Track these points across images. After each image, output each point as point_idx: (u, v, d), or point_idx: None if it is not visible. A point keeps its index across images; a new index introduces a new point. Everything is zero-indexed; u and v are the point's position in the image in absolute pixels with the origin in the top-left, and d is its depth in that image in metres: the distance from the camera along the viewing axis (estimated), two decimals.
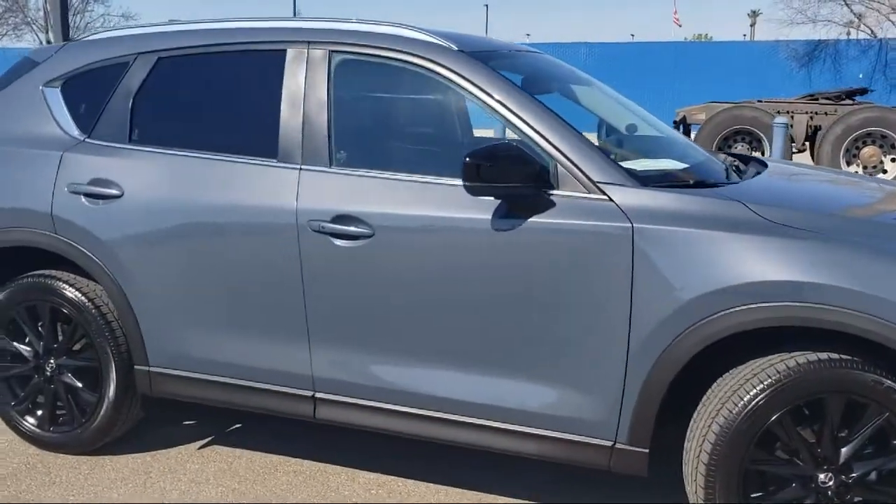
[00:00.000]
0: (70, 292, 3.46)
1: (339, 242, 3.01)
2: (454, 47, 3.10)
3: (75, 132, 3.51)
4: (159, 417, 3.92)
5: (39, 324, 3.60)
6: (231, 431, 3.93)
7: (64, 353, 3.56)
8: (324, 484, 3.42)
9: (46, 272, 3.54)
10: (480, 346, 2.91)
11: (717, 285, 2.59)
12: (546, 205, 2.79)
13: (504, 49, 3.43)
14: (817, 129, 11.77)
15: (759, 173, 3.33)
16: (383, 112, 3.32)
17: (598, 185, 2.78)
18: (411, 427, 3.05)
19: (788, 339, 2.64)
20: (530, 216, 2.79)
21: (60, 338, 3.57)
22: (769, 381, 2.57)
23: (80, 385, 3.56)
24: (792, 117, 11.67)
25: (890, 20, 31.72)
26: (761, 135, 11.36)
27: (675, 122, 12.06)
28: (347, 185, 3.06)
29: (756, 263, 2.58)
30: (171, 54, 3.45)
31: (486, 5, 62.18)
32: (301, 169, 3.12)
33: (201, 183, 3.25)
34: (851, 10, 30.62)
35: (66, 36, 10.95)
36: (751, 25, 73.81)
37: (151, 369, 3.41)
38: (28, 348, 3.63)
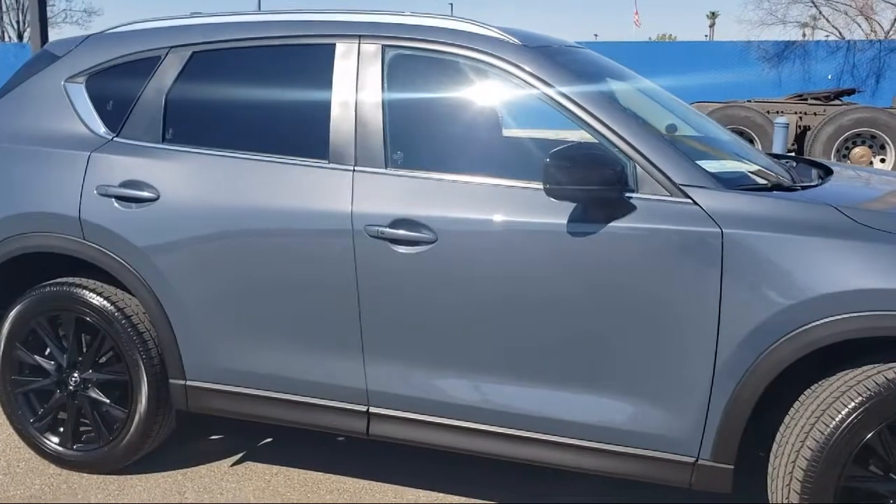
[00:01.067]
0: (98, 301, 3.23)
1: (398, 248, 2.83)
2: (518, 42, 2.94)
3: (102, 131, 3.29)
4: (183, 432, 3.70)
5: (62, 335, 3.37)
6: (263, 446, 3.73)
7: (90, 366, 3.33)
8: None
9: (71, 280, 3.31)
10: (554, 360, 2.75)
11: (815, 293, 2.46)
12: (627, 208, 2.64)
13: (555, 44, 3.27)
14: (806, 129, 11.80)
15: (827, 176, 3.21)
16: (441, 110, 3.13)
17: (682, 187, 2.64)
18: (478, 444, 2.88)
19: (874, 349, 2.52)
20: (610, 220, 2.64)
21: (86, 350, 3.34)
22: (867, 394, 2.45)
23: (107, 400, 3.34)
24: (778, 115, 11.67)
25: (856, 22, 32.15)
26: (753, 134, 11.36)
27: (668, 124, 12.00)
28: (407, 187, 2.89)
29: (857, 270, 2.45)
30: (207, 48, 3.24)
31: (451, 4, 61.85)
32: (355, 171, 2.94)
33: (245, 185, 3.05)
34: (820, 12, 30.99)
35: (44, 33, 10.61)
36: (710, 26, 74.66)
37: (188, 383, 3.20)
38: (50, 361, 3.40)
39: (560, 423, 2.77)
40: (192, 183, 3.10)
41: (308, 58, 3.14)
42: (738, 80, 26.11)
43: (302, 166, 3.01)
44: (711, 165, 2.98)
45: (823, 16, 30.69)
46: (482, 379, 2.85)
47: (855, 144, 11.36)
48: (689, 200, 2.62)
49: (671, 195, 2.65)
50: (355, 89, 2.99)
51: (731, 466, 2.64)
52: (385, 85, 2.98)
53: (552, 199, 2.69)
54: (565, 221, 2.67)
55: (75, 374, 3.35)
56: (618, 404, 2.72)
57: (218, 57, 3.24)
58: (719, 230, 2.55)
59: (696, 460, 2.67)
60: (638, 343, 2.66)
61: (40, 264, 3.40)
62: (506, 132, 3.32)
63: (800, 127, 11.86)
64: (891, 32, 31.44)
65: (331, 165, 2.97)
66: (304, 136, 3.12)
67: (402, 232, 2.82)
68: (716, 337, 2.57)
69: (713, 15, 76.34)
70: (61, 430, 3.44)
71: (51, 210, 3.23)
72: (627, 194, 2.66)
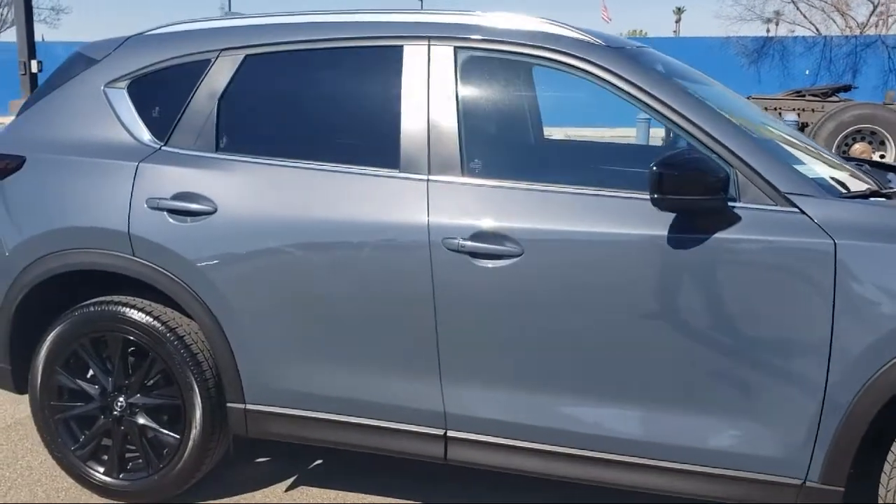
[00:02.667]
0: (147, 321, 3.03)
1: (480, 262, 2.67)
2: (602, 43, 2.78)
3: (147, 139, 3.09)
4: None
5: (107, 357, 3.17)
6: (315, 469, 3.54)
7: (138, 389, 3.13)
8: None
9: (117, 298, 3.10)
10: (651, 379, 2.60)
11: None
12: (731, 219, 2.50)
13: (628, 44, 3.12)
14: (805, 125, 11.77)
15: None
16: (519, 115, 2.97)
17: (787, 196, 2.50)
18: (567, 469, 2.72)
19: None
20: (714, 231, 2.50)
21: (133, 373, 3.13)
22: None
23: (156, 425, 3.14)
24: (780, 114, 11.63)
25: (832, 18, 32.44)
26: None
27: (648, 119, 11.93)
28: (487, 197, 2.72)
29: None
30: (262, 51, 3.04)
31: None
32: (429, 180, 2.77)
33: (310, 197, 2.87)
34: (797, 7, 31.21)
35: (30, 32, 10.29)
36: (676, 21, 75.08)
37: (248, 406, 3.01)
38: (93, 385, 3.19)
39: (657, 446, 2.63)
40: (253, 195, 2.91)
41: (373, 62, 2.96)
42: (716, 76, 26.24)
43: (371, 176, 2.84)
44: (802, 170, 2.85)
45: (800, 11, 30.92)
46: (571, 401, 2.69)
47: (855, 141, 11.36)
48: (796, 210, 2.48)
49: (776, 204, 2.50)
50: (427, 94, 2.82)
51: (842, 489, 2.51)
52: (459, 89, 2.81)
53: (648, 209, 2.53)
54: (665, 233, 2.52)
55: (121, 399, 3.14)
56: (719, 425, 2.58)
57: (273, 60, 3.05)
58: (832, 241, 2.42)
59: (804, 482, 2.54)
60: (743, 361, 2.52)
61: (77, 283, 3.19)
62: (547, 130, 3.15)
63: (798, 123, 11.84)
64: (866, 28, 31.76)
65: (403, 175, 2.80)
66: (372, 144, 2.94)
67: (484, 245, 2.66)
68: (828, 354, 2.43)
69: (679, 11, 76.78)
70: (105, 457, 3.23)
71: (96, 225, 3.02)
72: (731, 204, 2.51)
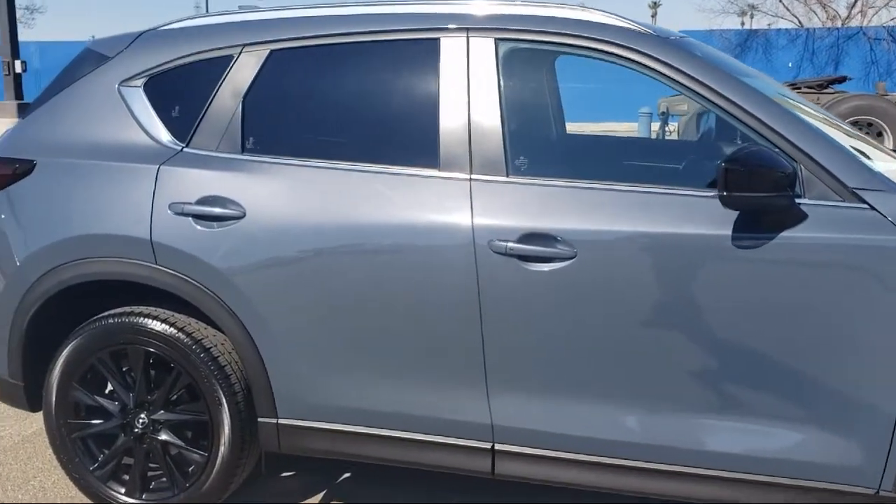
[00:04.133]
0: (171, 333, 2.86)
1: (530, 266, 2.52)
2: (652, 33, 2.65)
3: (167, 140, 2.91)
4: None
5: (127, 372, 3.00)
6: (343, 483, 3.39)
7: (161, 405, 2.96)
8: None
9: (137, 309, 2.93)
10: (716, 386, 2.47)
11: None
12: (798, 216, 2.37)
13: (674, 34, 2.98)
14: None
15: None
16: (555, 109, 2.83)
17: (856, 191, 2.38)
18: (625, 482, 2.59)
19: None
20: (781, 230, 2.37)
21: (156, 388, 2.97)
22: None
23: (181, 443, 2.97)
24: None
25: (814, 11, 32.57)
26: None
27: (661, 114, 11.87)
28: (535, 197, 2.58)
29: None
30: (288, 46, 2.88)
31: None
32: (471, 180, 2.62)
33: (343, 199, 2.71)
34: (780, 0, 31.29)
35: (13, 32, 10.04)
36: (652, 16, 75.26)
37: (281, 421, 2.85)
38: (112, 401, 3.02)
39: (724, 456, 2.49)
40: (284, 198, 2.75)
41: (407, 55, 2.81)
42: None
43: (409, 176, 2.69)
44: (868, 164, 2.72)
45: (783, 3, 31.00)
46: (628, 410, 2.55)
47: None
48: (866, 206, 2.36)
49: (844, 200, 2.38)
50: (466, 89, 2.67)
51: None
52: (501, 83, 2.67)
53: (710, 207, 2.41)
54: (729, 232, 2.39)
55: (143, 415, 2.97)
56: (788, 434, 2.46)
57: (301, 55, 2.88)
58: None
59: (877, 491, 2.42)
60: (813, 366, 2.39)
61: (92, 295, 3.02)
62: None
63: None
64: (847, 20, 31.89)
65: (443, 174, 2.65)
66: (409, 142, 2.79)
67: (534, 247, 2.51)
68: None
69: (655, 5, 76.97)
70: (126, 477, 3.06)
71: (115, 232, 2.85)
72: (797, 201, 2.39)
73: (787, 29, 29.81)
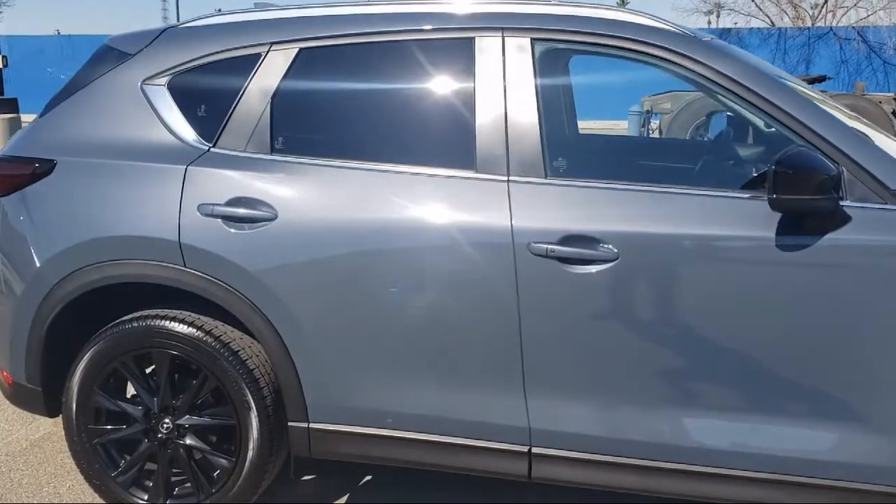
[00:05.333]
0: (198, 336, 2.81)
1: (571, 268, 2.51)
2: (691, 35, 2.64)
3: (192, 139, 2.86)
4: None
5: (152, 376, 2.94)
6: (366, 486, 3.36)
7: (187, 410, 2.91)
8: None
9: (163, 312, 2.87)
10: (763, 389, 2.48)
11: None
12: (842, 219, 2.38)
13: (707, 35, 2.98)
14: None
15: None
16: (575, 110, 2.81)
17: None
18: (669, 485, 2.58)
19: None
20: (826, 232, 2.37)
21: (182, 392, 2.91)
22: None
23: (208, 447, 2.92)
24: None
25: (785, 12, 32.97)
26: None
27: (645, 112, 11.94)
28: (576, 198, 2.56)
29: None
30: (317, 44, 2.83)
31: None
32: (509, 181, 2.60)
33: (378, 200, 2.68)
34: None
35: None
36: None
37: (312, 425, 2.81)
38: (136, 406, 2.96)
39: (771, 458, 2.49)
40: (316, 199, 2.71)
41: (441, 55, 2.78)
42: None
43: (445, 178, 2.66)
44: None
45: (755, 3, 31.32)
46: (670, 413, 2.55)
47: None
48: None
49: (885, 202, 2.39)
50: (503, 90, 2.65)
51: None
52: (538, 84, 2.65)
53: (752, 209, 2.42)
54: (773, 234, 2.40)
55: (167, 420, 2.92)
56: (829, 434, 2.47)
57: (331, 54, 2.84)
58: None
59: None
60: (857, 368, 2.40)
61: (112, 298, 2.96)
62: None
63: None
64: (817, 19, 32.30)
65: (480, 176, 2.63)
66: (443, 143, 2.77)
67: (575, 249, 2.50)
68: None
69: (623, 2, 77.44)
70: (149, 483, 3.00)
71: (142, 234, 2.79)
72: (841, 203, 2.40)
73: (759, 28, 30.14)
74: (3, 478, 3.39)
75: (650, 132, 12.16)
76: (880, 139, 2.70)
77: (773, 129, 3.51)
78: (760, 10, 31.60)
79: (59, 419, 3.05)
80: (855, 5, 30.96)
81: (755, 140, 3.78)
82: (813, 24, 30.65)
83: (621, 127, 11.61)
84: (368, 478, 3.40)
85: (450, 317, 2.63)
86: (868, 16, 31.08)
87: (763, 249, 2.40)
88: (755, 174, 2.62)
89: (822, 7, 31.05)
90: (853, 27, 28.62)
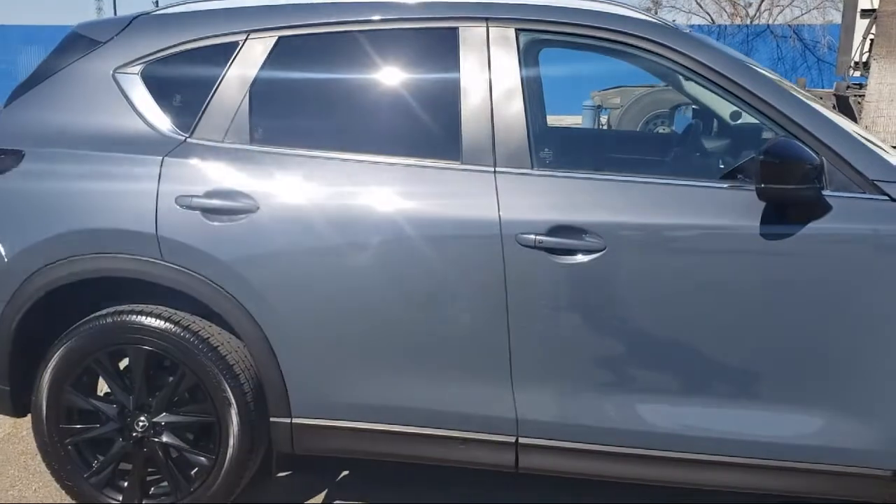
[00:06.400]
0: (175, 331, 2.74)
1: (558, 259, 2.51)
2: (672, 26, 2.67)
3: (169, 130, 2.78)
4: None
5: (126, 373, 2.86)
6: (344, 481, 3.32)
7: (164, 408, 2.83)
8: None
9: (137, 307, 2.79)
10: (747, 376, 2.52)
11: None
12: (824, 208, 2.43)
13: (685, 27, 3.00)
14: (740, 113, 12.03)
15: None
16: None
17: (877, 183, 2.45)
18: (656, 473, 2.61)
19: None
20: (808, 221, 2.42)
21: (158, 390, 2.83)
22: None
23: (185, 445, 2.86)
24: None
25: (724, 10, 33.62)
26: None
27: (597, 106, 12.06)
28: (563, 189, 2.57)
29: None
30: (297, 33, 2.78)
31: None
32: (496, 172, 2.59)
33: (363, 192, 2.65)
34: None
35: None
36: None
37: (295, 421, 2.76)
38: (110, 405, 2.87)
39: (756, 444, 2.53)
40: (298, 190, 2.66)
41: (424, 44, 2.76)
42: (615, 66, 26.78)
43: (431, 168, 2.64)
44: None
45: (697, 2, 31.85)
46: (655, 400, 2.58)
47: None
48: (886, 197, 2.44)
49: (864, 192, 2.45)
50: (488, 80, 2.64)
51: None
52: (524, 75, 2.64)
53: (735, 199, 2.46)
54: (757, 223, 2.44)
55: (142, 418, 2.84)
56: (809, 419, 2.52)
57: (311, 44, 2.80)
58: None
59: None
60: (842, 354, 2.46)
61: (83, 294, 2.87)
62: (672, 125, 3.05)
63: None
64: (755, 17, 33.00)
65: (466, 167, 2.61)
66: (427, 134, 2.75)
67: (562, 240, 2.51)
68: None
69: None
70: (124, 484, 2.92)
71: (117, 226, 2.71)
72: (822, 192, 2.45)
73: (699, 25, 30.68)
74: None
75: (599, 127, 12.28)
76: (856, 129, 2.76)
77: (741, 122, 3.60)
78: (701, 6, 32.15)
79: (18, 420, 2.96)
80: (790, 4, 31.72)
81: (722, 132, 3.84)
82: (751, 22, 31.31)
83: (573, 121, 11.73)
84: (346, 473, 3.37)
85: (437, 308, 2.62)
86: (802, 14, 31.87)
87: (748, 239, 2.44)
88: (735, 164, 2.65)
89: (760, 5, 31.74)
90: (789, 25, 29.33)
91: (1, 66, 21.35)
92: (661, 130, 11.67)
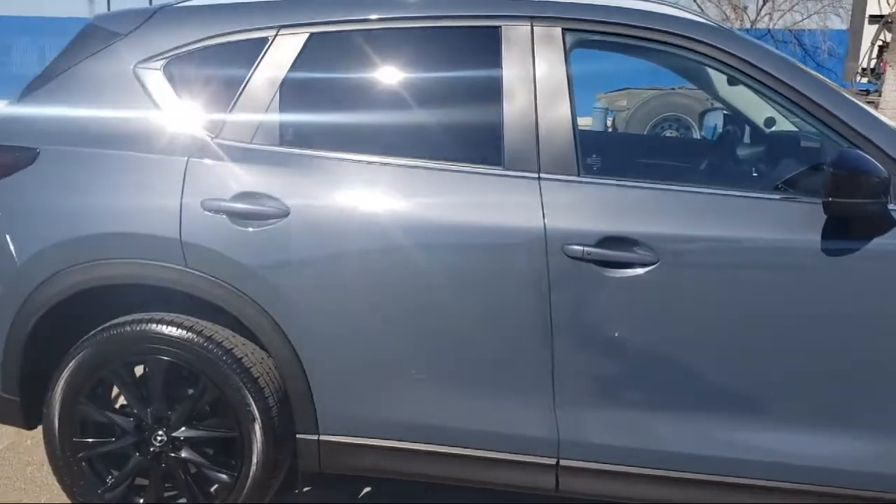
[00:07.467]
0: (197, 341, 2.60)
1: (609, 272, 2.38)
2: (724, 27, 2.54)
3: (194, 129, 2.63)
4: None
5: (144, 385, 2.71)
6: (364, 498, 3.18)
7: (184, 421, 2.69)
8: None
9: (157, 316, 2.65)
10: (807, 396, 2.39)
11: None
12: (889, 223, 2.30)
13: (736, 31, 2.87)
14: None
15: None
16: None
17: None
18: (707, 497, 2.48)
19: None
20: (871, 237, 2.30)
21: (178, 402, 2.69)
22: None
23: (205, 462, 2.72)
24: (712, 104, 11.79)
25: (725, 14, 33.57)
26: (691, 121, 11.41)
27: (604, 109, 11.95)
28: (613, 198, 2.44)
29: None
30: (330, 29, 2.64)
31: None
32: (540, 179, 2.46)
33: (400, 198, 2.51)
34: (695, 2, 32.10)
35: None
36: None
37: (322, 437, 2.62)
38: (126, 417, 2.73)
39: (812, 469, 2.41)
40: (331, 195, 2.52)
41: (464, 43, 2.62)
42: (617, 68, 26.61)
43: (470, 174, 2.51)
44: None
45: (697, 4, 31.78)
46: (708, 423, 2.45)
47: None
48: None
49: None
50: (532, 82, 2.50)
51: None
52: (570, 77, 2.51)
53: (799, 212, 2.34)
54: (818, 238, 2.31)
55: (161, 432, 2.69)
56: (864, 442, 2.40)
57: (344, 41, 2.65)
58: None
59: None
60: None
61: (99, 301, 2.72)
62: (728, 131, 2.92)
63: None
64: (756, 22, 32.93)
65: (508, 173, 2.48)
66: (467, 137, 2.61)
67: (613, 252, 2.38)
68: None
69: None
70: (139, 500, 2.78)
71: (138, 231, 2.56)
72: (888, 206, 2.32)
73: None
74: None
75: (606, 129, 12.17)
76: None
77: (775, 129, 3.47)
78: (702, 10, 32.11)
79: (17, 429, 2.82)
80: (791, 9, 31.67)
81: (757, 139, 3.70)
82: (752, 27, 31.25)
83: (582, 124, 11.61)
84: (367, 489, 3.23)
85: (476, 322, 2.49)
86: (803, 20, 31.84)
87: (807, 253, 2.31)
88: (791, 175, 2.53)
89: (760, 9, 31.68)
90: (789, 30, 29.28)
91: None
92: (669, 134, 11.57)
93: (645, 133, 10.72)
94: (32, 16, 21.23)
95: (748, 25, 31.33)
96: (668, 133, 11.68)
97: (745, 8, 32.42)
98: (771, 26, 31.84)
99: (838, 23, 26.98)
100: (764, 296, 2.35)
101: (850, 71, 12.58)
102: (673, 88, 12.07)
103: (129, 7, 2.90)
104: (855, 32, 12.67)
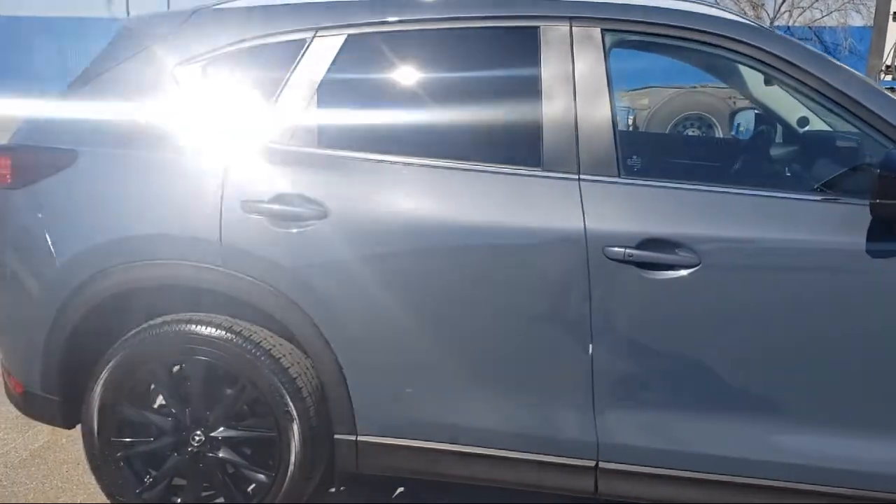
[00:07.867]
0: (235, 342, 2.61)
1: (649, 274, 2.37)
2: (765, 27, 2.52)
3: (233, 131, 2.64)
4: None
5: (183, 385, 2.73)
6: (398, 497, 3.18)
7: (222, 422, 2.70)
8: None
9: (196, 316, 2.66)
10: (854, 401, 2.38)
11: None
12: None
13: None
14: None
15: None
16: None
17: None
18: (747, 500, 2.47)
19: None
20: None
21: (216, 402, 2.70)
22: None
23: (244, 462, 2.73)
24: (734, 103, 11.72)
25: (745, 11, 33.35)
26: (714, 120, 11.35)
27: (626, 108, 11.89)
28: (651, 199, 2.42)
29: None
30: (367, 31, 2.64)
31: None
32: (580, 180, 2.45)
33: (437, 199, 2.51)
34: (716, 1, 31.88)
35: None
36: None
37: (360, 438, 2.63)
38: (164, 417, 2.74)
39: (853, 474, 2.39)
40: (370, 197, 2.52)
41: (502, 44, 2.62)
42: (639, 66, 26.44)
43: (510, 175, 2.50)
44: None
45: (718, 4, 31.57)
46: (751, 426, 2.43)
47: None
48: None
49: None
50: (572, 82, 2.49)
51: None
52: (610, 77, 2.50)
53: (842, 213, 2.31)
54: (863, 240, 2.29)
55: (198, 432, 2.71)
56: None
57: (382, 42, 2.65)
58: None
59: None
60: None
61: (137, 302, 2.74)
62: (769, 132, 2.90)
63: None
64: (775, 19, 32.70)
65: (547, 174, 2.47)
66: (506, 139, 2.61)
67: (655, 254, 2.36)
68: None
69: None
70: (177, 500, 2.79)
71: (178, 233, 2.57)
72: None
73: None
74: (5, 492, 3.14)
75: (627, 128, 12.11)
76: None
77: (808, 128, 3.44)
78: (721, 8, 31.88)
79: (52, 427, 2.84)
80: (811, 6, 31.41)
81: (790, 139, 3.67)
82: (771, 24, 31.03)
83: None
84: (401, 489, 3.23)
85: (516, 324, 2.48)
86: (822, 17, 31.58)
87: (852, 255, 2.29)
88: (831, 176, 2.51)
89: (780, 6, 31.44)
90: (809, 27, 29.04)
91: (12, 58, 21.01)
92: (691, 133, 11.50)
93: (667, 132, 10.68)
94: (50, 16, 21.32)
95: (767, 23, 31.16)
96: (690, 132, 11.64)
97: (763, 5, 32.22)
98: (791, 24, 31.62)
99: (858, 20, 26.68)
100: (807, 298, 2.33)
101: (874, 68, 12.43)
102: (694, 87, 12.00)
103: (165, 10, 2.91)
104: (879, 30, 12.52)
